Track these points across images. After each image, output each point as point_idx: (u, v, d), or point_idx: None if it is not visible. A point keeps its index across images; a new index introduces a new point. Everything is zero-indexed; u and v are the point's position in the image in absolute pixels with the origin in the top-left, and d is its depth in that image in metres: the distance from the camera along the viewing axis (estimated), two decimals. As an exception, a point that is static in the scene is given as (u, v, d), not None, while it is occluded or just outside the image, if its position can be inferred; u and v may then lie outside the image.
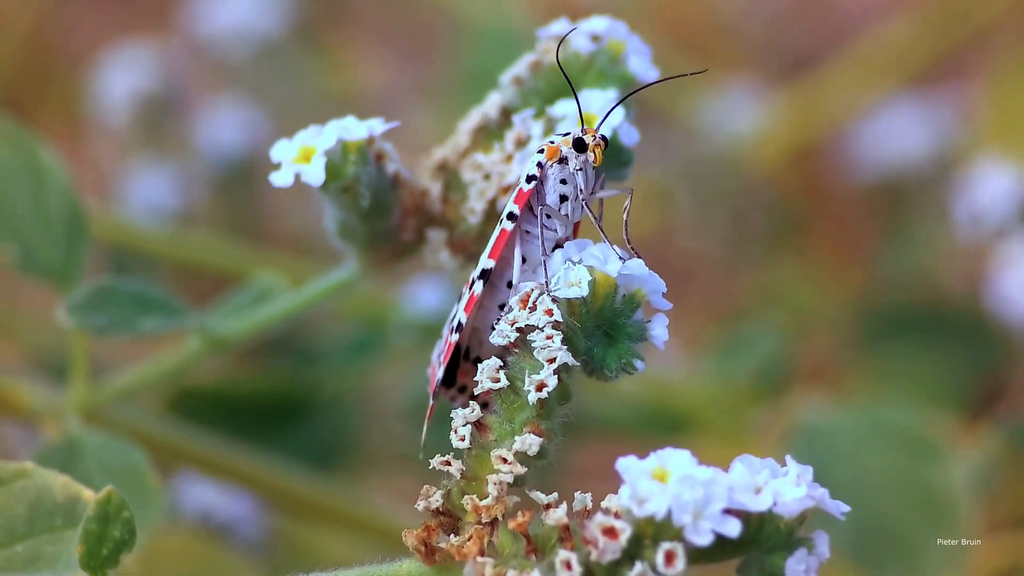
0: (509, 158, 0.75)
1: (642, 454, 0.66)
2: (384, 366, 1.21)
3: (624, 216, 0.72)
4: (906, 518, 1.07)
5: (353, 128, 0.72)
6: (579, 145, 0.70)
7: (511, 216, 0.71)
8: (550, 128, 0.75)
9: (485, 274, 0.71)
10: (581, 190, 0.71)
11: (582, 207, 0.71)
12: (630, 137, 0.74)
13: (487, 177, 0.76)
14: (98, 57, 1.48)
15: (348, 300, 1.17)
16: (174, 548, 1.06)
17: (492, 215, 0.76)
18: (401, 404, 1.23)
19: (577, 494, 0.66)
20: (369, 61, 1.65)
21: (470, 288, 0.72)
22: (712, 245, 1.54)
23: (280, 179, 0.71)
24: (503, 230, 0.71)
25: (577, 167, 0.70)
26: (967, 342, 1.42)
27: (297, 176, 0.71)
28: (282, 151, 0.72)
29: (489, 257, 0.71)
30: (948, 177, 1.48)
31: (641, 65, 0.76)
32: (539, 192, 0.71)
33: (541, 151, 0.71)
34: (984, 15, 1.57)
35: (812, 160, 1.60)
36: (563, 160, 0.71)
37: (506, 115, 0.76)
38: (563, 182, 0.71)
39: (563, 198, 0.71)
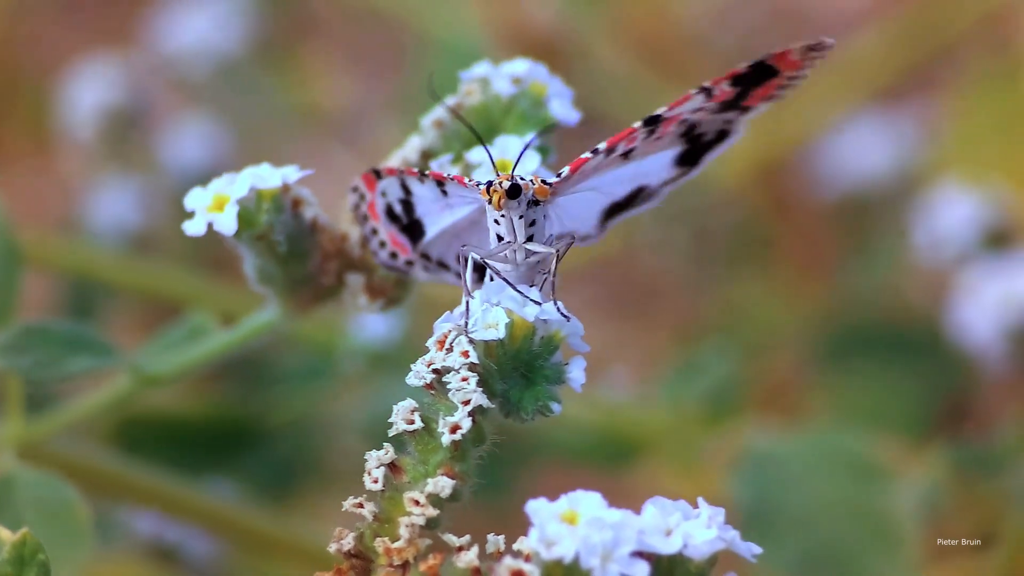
0: (427, 203, 0.75)
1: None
2: (339, 390, 1.21)
3: (551, 277, 0.71)
4: (852, 544, 1.07)
5: (267, 176, 0.72)
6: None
7: None
8: (467, 174, 0.75)
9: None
10: (511, 238, 0.70)
11: (522, 254, 0.70)
12: None
13: (404, 222, 0.76)
14: (63, 71, 1.48)
15: (304, 325, 1.17)
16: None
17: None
18: (359, 424, 1.23)
19: (490, 536, 0.66)
20: (335, 76, 1.65)
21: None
22: (676, 262, 1.54)
23: (193, 228, 0.71)
24: None
25: (501, 213, 0.70)
26: (929, 360, 1.41)
27: (210, 225, 0.71)
28: (196, 199, 0.72)
29: None
30: (913, 194, 1.48)
31: (563, 108, 0.76)
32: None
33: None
34: (953, 29, 1.56)
35: (778, 176, 1.59)
36: None
37: (426, 159, 0.76)
38: (496, 222, 0.71)
39: (500, 238, 0.71)
